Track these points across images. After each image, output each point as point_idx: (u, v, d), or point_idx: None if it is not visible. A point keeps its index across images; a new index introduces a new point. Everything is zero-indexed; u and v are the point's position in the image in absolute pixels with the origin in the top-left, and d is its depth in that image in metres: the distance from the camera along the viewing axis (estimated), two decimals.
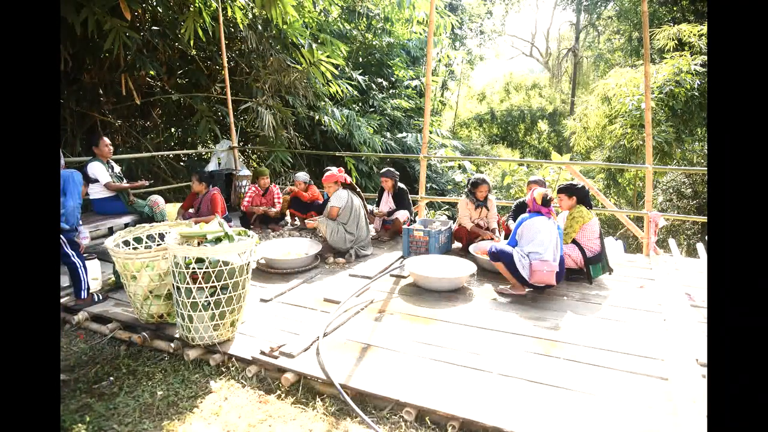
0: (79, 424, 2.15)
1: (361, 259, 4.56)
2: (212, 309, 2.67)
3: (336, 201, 4.51)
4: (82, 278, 3.29)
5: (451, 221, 5.07)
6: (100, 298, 3.40)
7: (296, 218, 5.83)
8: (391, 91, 11.76)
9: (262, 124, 7.18)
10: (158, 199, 4.90)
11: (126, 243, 3.28)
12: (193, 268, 2.62)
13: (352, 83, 9.31)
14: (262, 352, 2.63)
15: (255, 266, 4.10)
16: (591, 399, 2.25)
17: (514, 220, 4.02)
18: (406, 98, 11.47)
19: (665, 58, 9.93)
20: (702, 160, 10.08)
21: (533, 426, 2.04)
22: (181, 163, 8.21)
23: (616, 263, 4.37)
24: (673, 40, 10.15)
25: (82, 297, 3.30)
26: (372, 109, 10.79)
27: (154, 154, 6.86)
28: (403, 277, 4.01)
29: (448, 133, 14.30)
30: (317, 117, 8.42)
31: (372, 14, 11.01)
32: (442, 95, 17.78)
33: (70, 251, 3.21)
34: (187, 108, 8.08)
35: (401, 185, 5.39)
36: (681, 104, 9.22)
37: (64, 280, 3.43)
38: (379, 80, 11.46)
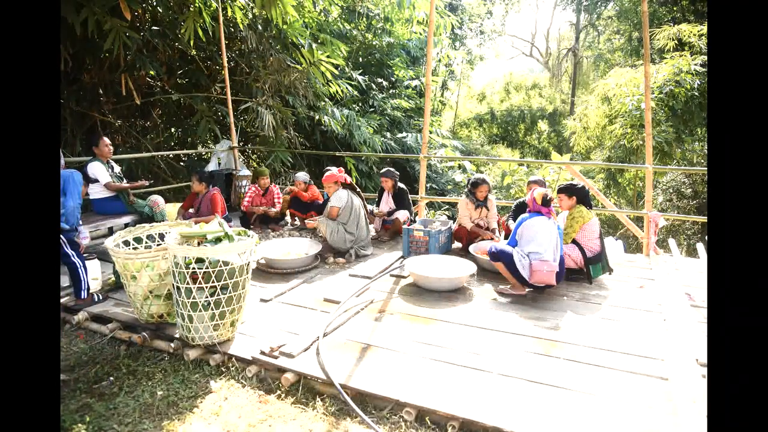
0: (79, 424, 2.15)
1: (361, 259, 4.56)
2: (212, 309, 2.67)
3: (336, 201, 4.51)
4: (82, 278, 3.29)
5: (451, 221, 5.07)
6: (100, 298, 3.40)
7: (296, 218, 5.83)
8: (391, 91, 11.76)
9: (262, 124, 7.18)
10: (158, 199, 4.90)
11: (126, 243, 3.28)
12: (193, 268, 2.62)
13: (352, 83, 9.31)
14: (262, 352, 2.63)
15: (255, 266, 4.10)
16: (591, 399, 2.25)
17: (514, 220, 4.02)
18: (406, 98, 11.47)
19: (665, 58, 9.93)
20: (702, 160, 10.08)
21: (533, 426, 2.04)
22: (181, 163, 8.21)
23: (616, 263, 4.37)
24: (673, 40, 10.15)
25: (82, 297, 3.30)
26: (372, 109, 10.79)
27: (154, 154, 6.86)
28: (403, 277, 4.01)
29: (448, 133, 14.30)
30: (317, 117, 8.42)
31: (372, 14, 11.00)
32: (442, 95, 17.78)
33: (70, 251, 3.21)
34: (187, 108, 8.08)
35: (401, 185, 5.39)
36: (681, 104, 9.22)
37: (64, 280, 3.43)
38: (379, 80, 11.46)
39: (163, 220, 4.69)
